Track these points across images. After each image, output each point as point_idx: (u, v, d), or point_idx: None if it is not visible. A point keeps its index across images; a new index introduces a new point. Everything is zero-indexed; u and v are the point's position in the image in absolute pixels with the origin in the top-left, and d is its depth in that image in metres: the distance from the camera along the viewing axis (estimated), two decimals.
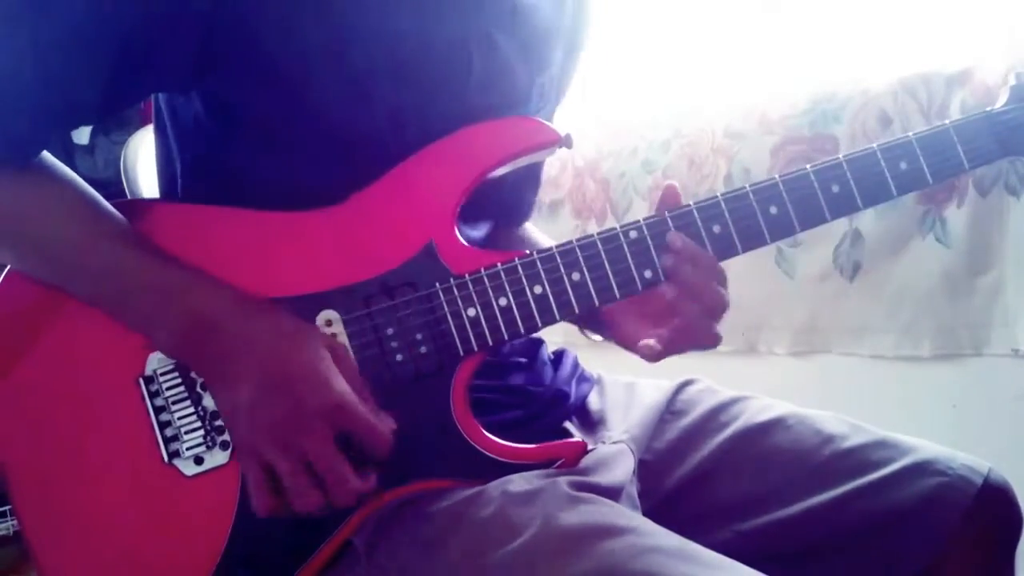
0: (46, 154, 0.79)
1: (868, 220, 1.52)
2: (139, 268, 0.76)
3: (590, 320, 0.90)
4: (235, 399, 0.73)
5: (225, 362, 0.74)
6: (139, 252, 0.76)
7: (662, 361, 0.92)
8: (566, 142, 0.82)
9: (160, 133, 0.88)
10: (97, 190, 0.80)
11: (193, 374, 0.77)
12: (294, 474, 0.72)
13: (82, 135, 2.03)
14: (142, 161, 1.15)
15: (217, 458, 0.77)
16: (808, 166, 0.81)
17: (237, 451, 0.74)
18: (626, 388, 0.99)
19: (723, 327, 0.83)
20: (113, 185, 1.15)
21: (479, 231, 0.91)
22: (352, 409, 0.73)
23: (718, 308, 0.81)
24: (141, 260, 0.76)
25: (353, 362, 0.76)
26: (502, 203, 0.99)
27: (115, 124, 1.97)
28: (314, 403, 0.72)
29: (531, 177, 1.04)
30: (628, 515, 0.74)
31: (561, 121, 1.03)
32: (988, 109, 0.85)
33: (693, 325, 0.80)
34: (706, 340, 0.81)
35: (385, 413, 0.75)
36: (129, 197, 1.09)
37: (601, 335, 0.92)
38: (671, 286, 0.80)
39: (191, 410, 0.77)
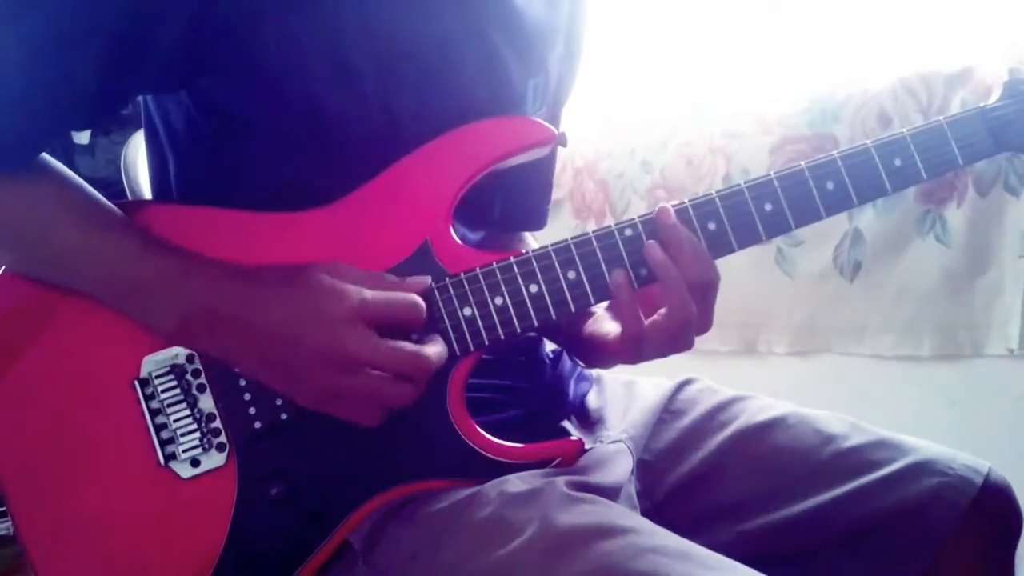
0: (44, 154, 0.79)
1: (868, 220, 1.52)
2: (138, 259, 0.75)
3: (575, 349, 0.92)
4: (270, 362, 0.73)
5: (242, 335, 0.73)
6: (138, 243, 0.76)
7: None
8: (561, 140, 0.81)
9: (151, 136, 0.88)
10: (98, 190, 0.80)
11: (189, 376, 0.77)
12: (372, 385, 0.72)
13: (82, 135, 2.03)
14: (142, 161, 1.15)
15: (214, 460, 0.76)
16: (803, 162, 0.81)
17: (310, 406, 0.74)
18: (625, 387, 0.99)
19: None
20: (114, 185, 1.15)
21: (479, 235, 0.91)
22: (370, 300, 0.72)
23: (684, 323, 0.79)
24: (140, 251, 0.75)
25: (352, 267, 0.75)
26: (513, 211, 0.99)
27: (115, 124, 1.97)
28: (337, 318, 0.71)
29: (541, 183, 1.04)
30: (627, 515, 0.73)
31: (562, 121, 1.03)
32: (982, 105, 0.85)
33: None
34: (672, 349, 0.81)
35: (412, 278, 0.75)
36: (130, 196, 1.08)
37: (586, 361, 0.92)
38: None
39: (187, 412, 0.77)
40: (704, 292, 0.79)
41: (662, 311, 0.79)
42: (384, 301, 0.73)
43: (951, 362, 1.46)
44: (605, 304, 0.88)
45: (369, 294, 0.72)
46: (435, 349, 0.74)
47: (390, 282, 0.75)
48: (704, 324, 0.81)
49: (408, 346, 0.72)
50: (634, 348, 0.81)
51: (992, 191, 1.38)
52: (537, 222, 1.06)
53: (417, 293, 0.75)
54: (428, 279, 0.76)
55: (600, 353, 0.88)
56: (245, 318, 0.73)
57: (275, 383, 0.75)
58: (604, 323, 0.88)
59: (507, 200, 0.96)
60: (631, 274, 0.79)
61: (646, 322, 0.80)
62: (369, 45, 0.77)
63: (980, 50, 1.39)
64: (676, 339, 0.80)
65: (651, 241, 0.78)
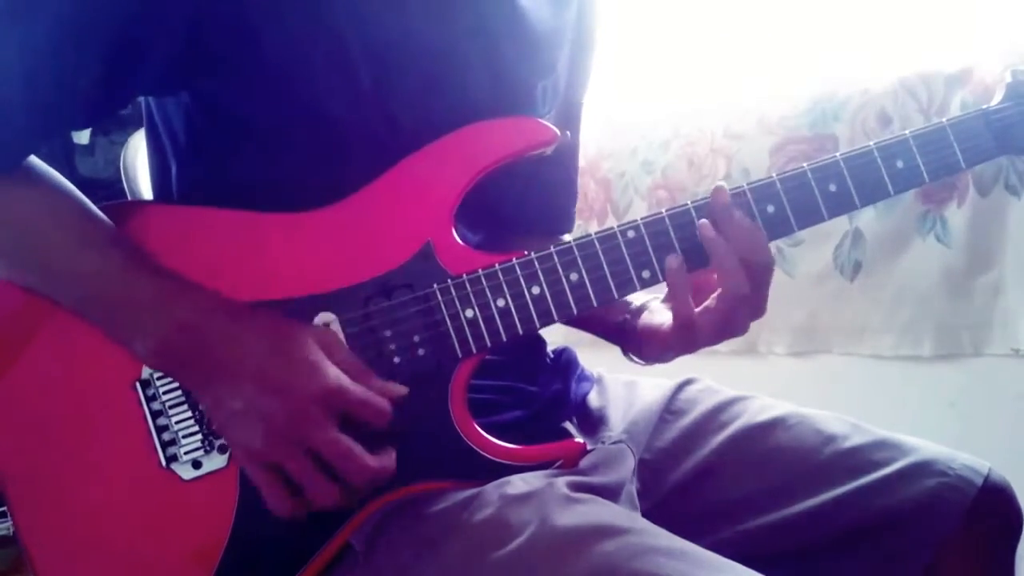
0: (34, 159, 0.78)
1: (868, 220, 1.52)
2: (120, 278, 0.75)
3: (631, 344, 0.92)
4: (227, 406, 0.72)
5: (211, 370, 0.73)
6: (121, 261, 0.75)
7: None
8: (564, 140, 0.81)
9: (152, 136, 0.88)
10: (98, 190, 0.80)
11: None
12: (305, 469, 0.71)
13: (82, 135, 2.03)
14: (142, 161, 1.15)
15: (215, 462, 0.76)
16: (805, 164, 0.81)
17: (240, 459, 0.73)
18: (626, 387, 0.99)
19: None
20: (113, 185, 1.15)
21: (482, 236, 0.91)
22: (346, 390, 0.71)
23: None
24: (122, 270, 0.75)
25: (344, 346, 0.75)
26: (540, 214, 0.99)
27: (115, 124, 1.97)
28: (306, 393, 0.70)
29: (566, 184, 1.04)
30: (626, 515, 0.74)
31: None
32: (984, 107, 0.85)
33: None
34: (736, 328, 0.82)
35: (393, 384, 0.74)
36: (129, 197, 1.08)
37: (643, 357, 0.92)
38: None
39: (188, 414, 0.77)
40: (756, 272, 0.79)
41: (714, 295, 0.80)
42: (357, 396, 0.72)
43: (951, 362, 1.46)
44: (661, 297, 0.89)
45: (347, 383, 0.72)
46: (381, 462, 0.72)
47: (371, 377, 0.74)
48: (757, 308, 0.82)
49: (357, 449, 0.71)
50: (687, 335, 0.82)
51: (993, 191, 1.38)
52: (565, 224, 1.05)
53: (393, 397, 0.74)
54: (405, 390, 0.75)
55: (654, 345, 0.88)
56: (219, 359, 0.72)
57: (223, 428, 0.73)
58: (657, 314, 0.89)
59: (531, 203, 0.96)
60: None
61: (698, 308, 0.80)
62: (369, 47, 0.77)
63: (980, 50, 1.39)
64: (729, 322, 0.81)
65: (704, 220, 0.79)
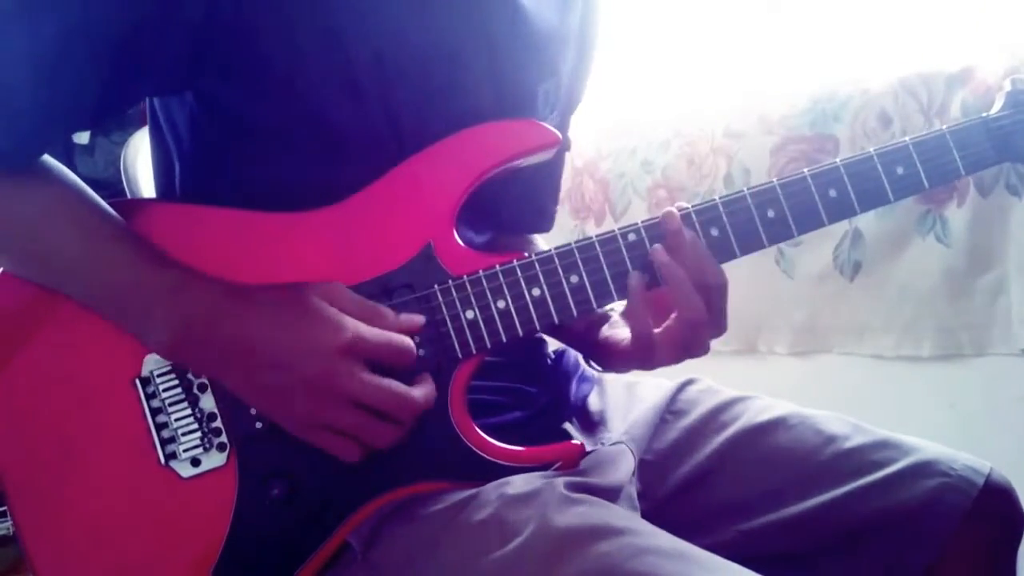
0: (45, 155, 0.78)
1: (868, 220, 1.52)
2: (131, 272, 0.75)
3: (591, 353, 0.92)
4: (258, 384, 0.73)
5: (230, 353, 0.73)
6: (132, 255, 0.76)
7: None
8: (565, 144, 0.81)
9: (155, 134, 0.88)
10: (97, 191, 0.80)
11: (191, 375, 0.77)
12: (354, 420, 0.72)
13: (82, 135, 2.03)
14: (142, 161, 1.15)
15: (214, 460, 0.76)
16: (805, 170, 0.81)
17: (291, 430, 0.74)
18: (627, 388, 0.99)
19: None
20: (113, 185, 1.15)
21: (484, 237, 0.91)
22: (365, 337, 0.73)
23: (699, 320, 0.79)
24: (133, 264, 0.75)
25: (350, 293, 0.75)
26: (521, 213, 0.98)
27: (115, 124, 1.98)
28: (330, 348, 0.71)
29: (550, 185, 1.04)
30: (624, 516, 0.73)
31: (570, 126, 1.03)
32: (984, 115, 0.85)
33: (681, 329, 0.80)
34: (694, 349, 0.81)
35: (406, 316, 0.76)
36: (129, 197, 1.08)
37: (602, 365, 0.92)
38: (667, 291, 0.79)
39: (188, 412, 0.77)
40: (710, 295, 0.79)
41: (673, 315, 0.80)
42: (378, 340, 0.73)
43: (951, 362, 1.46)
44: (622, 308, 0.88)
45: (365, 329, 0.73)
46: (423, 391, 0.74)
47: (385, 316, 0.75)
48: (717, 328, 0.81)
49: (397, 386, 0.73)
50: (646, 352, 0.82)
51: (994, 191, 1.37)
52: (545, 224, 1.06)
53: (410, 330, 0.75)
54: (422, 319, 0.76)
55: (616, 358, 0.88)
56: (238, 339, 0.73)
57: (261, 405, 0.75)
58: (619, 328, 0.88)
59: (515, 202, 0.96)
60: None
61: (660, 328, 0.80)
62: (371, 49, 0.77)
63: (980, 50, 1.39)
64: (688, 343, 0.81)
65: (657, 245, 0.79)
